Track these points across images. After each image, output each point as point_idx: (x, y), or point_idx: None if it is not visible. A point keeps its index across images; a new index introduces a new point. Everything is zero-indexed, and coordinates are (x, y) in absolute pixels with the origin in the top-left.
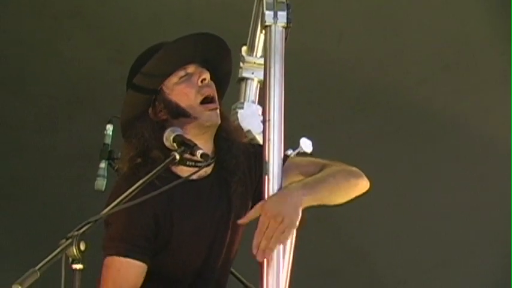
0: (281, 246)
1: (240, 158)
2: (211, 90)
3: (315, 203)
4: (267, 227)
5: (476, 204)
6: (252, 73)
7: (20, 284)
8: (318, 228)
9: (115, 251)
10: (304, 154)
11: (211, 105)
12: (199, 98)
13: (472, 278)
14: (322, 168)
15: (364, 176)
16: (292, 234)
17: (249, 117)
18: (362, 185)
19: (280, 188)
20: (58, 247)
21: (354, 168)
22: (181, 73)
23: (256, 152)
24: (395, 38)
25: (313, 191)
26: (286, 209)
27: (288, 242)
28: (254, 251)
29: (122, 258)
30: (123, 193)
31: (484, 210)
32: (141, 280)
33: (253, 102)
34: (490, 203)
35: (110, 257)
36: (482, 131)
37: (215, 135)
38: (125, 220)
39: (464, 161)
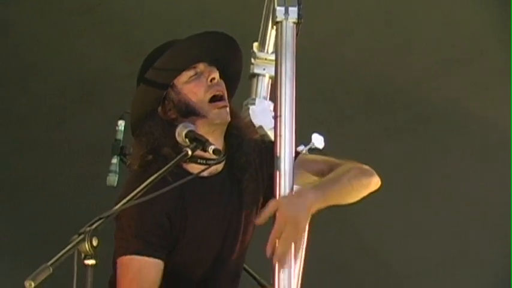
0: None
1: (250, 154)
2: (220, 89)
3: (327, 205)
4: (282, 231)
5: (485, 201)
6: (264, 69)
7: (33, 280)
8: (329, 225)
9: (133, 249)
10: (316, 150)
11: (220, 103)
12: (208, 97)
13: (472, 278)
14: (333, 166)
15: (375, 174)
16: (304, 235)
17: (260, 113)
18: (373, 184)
19: (291, 184)
20: (70, 243)
21: (365, 167)
22: (191, 72)
23: (267, 148)
24: (406, 34)
25: (326, 194)
26: (301, 214)
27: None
28: (268, 253)
29: (140, 257)
30: (134, 190)
31: (489, 208)
32: (160, 278)
33: (265, 98)
34: (499, 200)
35: (127, 256)
36: (491, 127)
37: (226, 132)
38: (138, 218)
39: (473, 157)
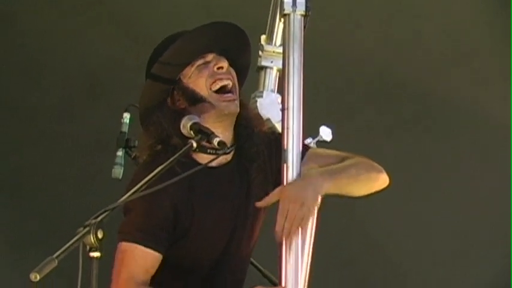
0: (300, 238)
1: (260, 146)
2: (227, 78)
3: (334, 191)
4: (288, 211)
5: (487, 199)
6: (271, 62)
7: (38, 272)
8: (336, 221)
9: (132, 238)
10: (324, 142)
11: (228, 96)
12: (210, 82)
13: (472, 278)
14: (342, 160)
15: (384, 171)
16: (312, 229)
17: (268, 106)
18: (382, 180)
19: (299, 177)
20: (76, 235)
21: (375, 163)
22: (199, 61)
23: (277, 140)
24: (412, 27)
25: (333, 179)
26: (306, 194)
27: (308, 233)
28: (277, 235)
29: (138, 246)
30: (143, 180)
31: (491, 206)
32: (154, 270)
33: (273, 91)
34: (501, 198)
35: (126, 243)
36: (492, 126)
37: (235, 122)
38: (144, 209)
39: (474, 156)
